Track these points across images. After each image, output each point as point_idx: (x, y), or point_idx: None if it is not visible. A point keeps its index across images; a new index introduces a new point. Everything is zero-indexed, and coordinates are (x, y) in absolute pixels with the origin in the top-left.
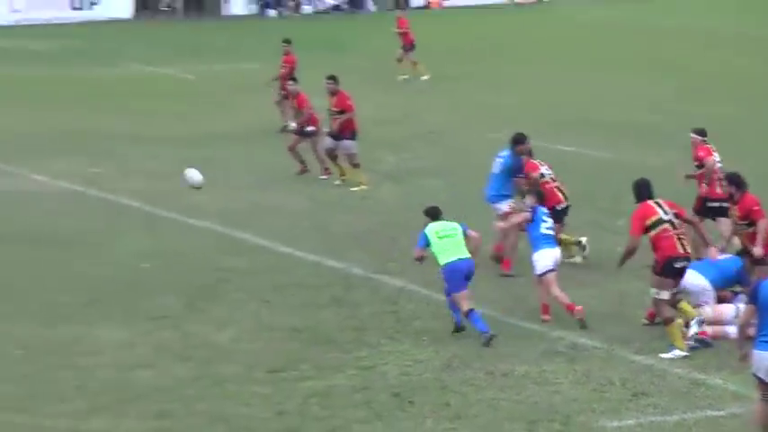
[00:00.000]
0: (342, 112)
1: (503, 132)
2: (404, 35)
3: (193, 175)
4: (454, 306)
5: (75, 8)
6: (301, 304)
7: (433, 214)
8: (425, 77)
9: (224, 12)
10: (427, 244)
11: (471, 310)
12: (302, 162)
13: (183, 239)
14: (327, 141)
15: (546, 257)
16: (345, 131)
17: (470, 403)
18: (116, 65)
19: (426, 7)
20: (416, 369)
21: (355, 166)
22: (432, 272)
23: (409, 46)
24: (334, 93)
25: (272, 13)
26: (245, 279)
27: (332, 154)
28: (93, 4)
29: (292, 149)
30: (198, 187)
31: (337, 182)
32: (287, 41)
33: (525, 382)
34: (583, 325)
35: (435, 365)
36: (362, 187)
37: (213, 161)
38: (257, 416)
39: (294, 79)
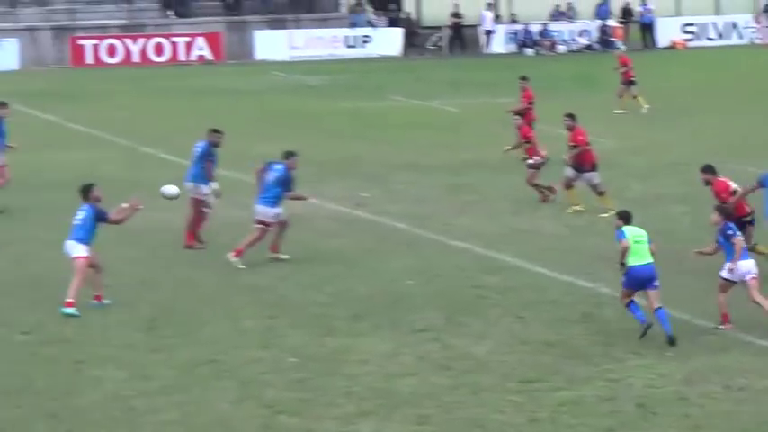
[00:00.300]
0: (576, 146)
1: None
2: (624, 73)
3: (168, 189)
4: (643, 319)
5: (349, 46)
6: (553, 320)
7: (626, 218)
8: (645, 109)
9: (485, 50)
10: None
11: (631, 302)
12: (546, 189)
13: (445, 259)
14: (568, 172)
15: (737, 268)
16: (586, 164)
17: (709, 415)
18: (384, 98)
19: (672, 47)
20: (659, 382)
21: (600, 194)
22: (676, 294)
23: (628, 82)
24: (570, 128)
25: (529, 51)
26: (501, 296)
27: (569, 184)
28: (365, 42)
29: (530, 182)
30: (173, 197)
31: (570, 210)
32: (524, 78)
33: (762, 396)
34: (716, 329)
35: (677, 379)
36: (611, 213)
37: (473, 187)
38: (511, 422)
39: (520, 114)
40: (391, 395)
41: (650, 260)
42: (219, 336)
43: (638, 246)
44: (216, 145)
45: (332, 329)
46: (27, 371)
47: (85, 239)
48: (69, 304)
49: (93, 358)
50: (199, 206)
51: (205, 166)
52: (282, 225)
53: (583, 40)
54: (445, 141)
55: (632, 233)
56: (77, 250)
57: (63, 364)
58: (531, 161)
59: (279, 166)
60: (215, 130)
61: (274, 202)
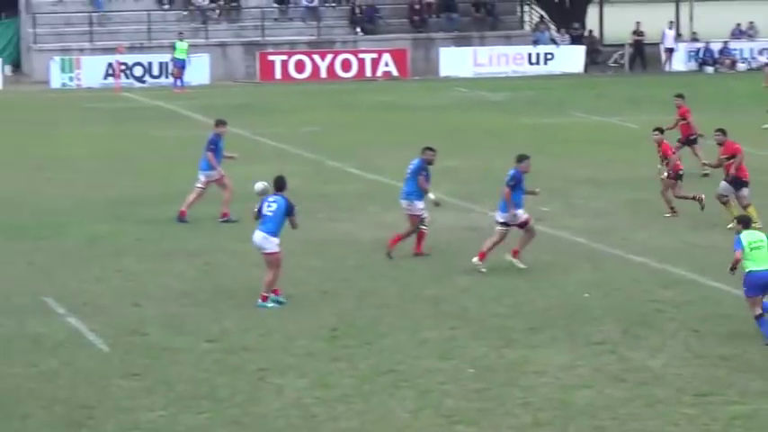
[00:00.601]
0: (732, 157)
1: None
2: None
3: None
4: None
5: (532, 63)
6: (728, 334)
7: (746, 223)
8: None
9: (666, 68)
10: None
11: (761, 316)
12: (671, 206)
13: (622, 272)
14: (743, 192)
15: None
16: (730, 175)
17: None
18: (566, 114)
19: None
20: None
21: (724, 203)
22: None
23: None
24: (721, 143)
25: (709, 69)
26: (677, 310)
27: (745, 203)
28: (548, 59)
29: (676, 195)
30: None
31: (730, 225)
32: (679, 96)
33: None
34: None
35: None
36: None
37: (651, 202)
38: None
39: (660, 130)
40: (567, 406)
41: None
42: (400, 346)
43: (757, 251)
44: (430, 162)
45: (510, 341)
46: (211, 378)
47: (276, 231)
48: (264, 298)
49: (276, 366)
50: (416, 222)
51: (417, 181)
52: (529, 233)
53: (763, 58)
54: (624, 157)
55: (750, 238)
56: (270, 245)
57: (246, 372)
58: (669, 172)
59: (511, 172)
60: (429, 148)
61: (514, 204)
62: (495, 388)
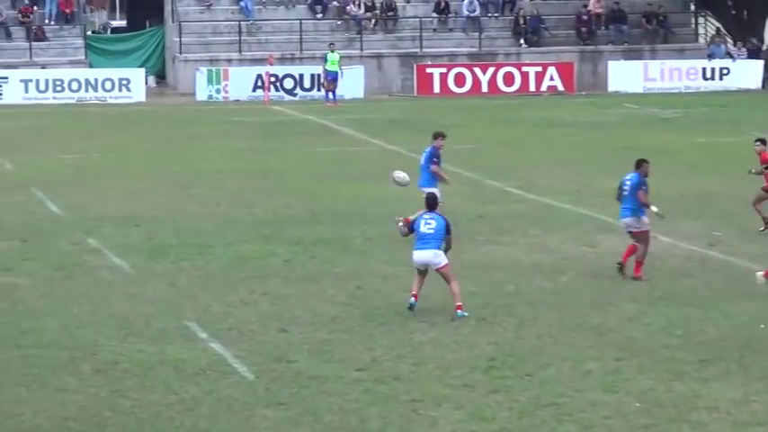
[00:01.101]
0: None
1: None
2: None
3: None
4: None
5: (706, 78)
6: None
7: None
8: None
9: None
10: None
11: None
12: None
13: None
14: None
15: None
16: None
17: None
18: (742, 132)
19: None
20: None
21: None
22: None
23: None
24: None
25: None
26: None
27: None
28: (723, 74)
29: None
30: (403, 184)
31: None
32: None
33: None
34: None
35: None
36: None
37: None
38: None
39: (763, 141)
40: None
41: None
42: (562, 377)
43: None
44: (646, 174)
45: (680, 374)
46: (361, 409)
47: (441, 248)
48: (459, 307)
49: (430, 397)
50: (647, 237)
51: (638, 197)
52: None
53: None
54: None
55: None
56: (443, 259)
57: (398, 403)
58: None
59: None
60: (644, 161)
61: None
62: (663, 424)
